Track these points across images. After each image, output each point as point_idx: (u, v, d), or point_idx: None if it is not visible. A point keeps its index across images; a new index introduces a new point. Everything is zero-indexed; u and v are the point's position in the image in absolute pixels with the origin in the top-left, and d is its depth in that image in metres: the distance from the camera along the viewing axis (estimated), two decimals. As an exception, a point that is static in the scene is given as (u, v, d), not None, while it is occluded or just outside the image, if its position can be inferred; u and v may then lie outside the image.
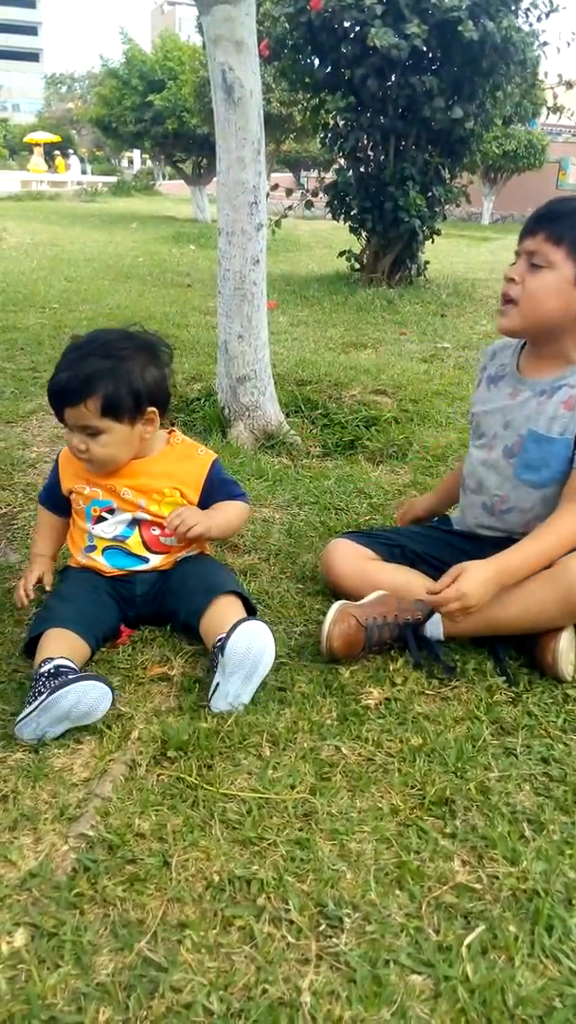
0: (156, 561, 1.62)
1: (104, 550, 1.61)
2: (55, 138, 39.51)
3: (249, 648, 1.38)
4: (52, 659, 1.36)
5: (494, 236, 14.26)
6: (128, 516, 1.60)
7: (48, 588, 1.66)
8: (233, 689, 1.39)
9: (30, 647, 1.46)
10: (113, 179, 28.39)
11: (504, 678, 1.50)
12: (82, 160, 40.05)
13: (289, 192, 7.00)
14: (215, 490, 1.66)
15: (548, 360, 1.61)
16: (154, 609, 1.63)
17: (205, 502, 1.66)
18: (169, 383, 1.60)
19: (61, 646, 1.40)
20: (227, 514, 1.65)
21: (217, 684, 1.39)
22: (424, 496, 2.07)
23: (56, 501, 1.69)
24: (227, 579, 1.62)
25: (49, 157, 37.08)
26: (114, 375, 1.48)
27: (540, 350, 1.62)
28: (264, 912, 1.01)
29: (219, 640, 1.40)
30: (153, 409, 1.55)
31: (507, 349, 1.72)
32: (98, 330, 1.60)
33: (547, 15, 6.09)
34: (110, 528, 1.60)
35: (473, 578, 1.42)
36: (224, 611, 1.50)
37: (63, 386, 1.48)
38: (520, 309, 1.53)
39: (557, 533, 1.50)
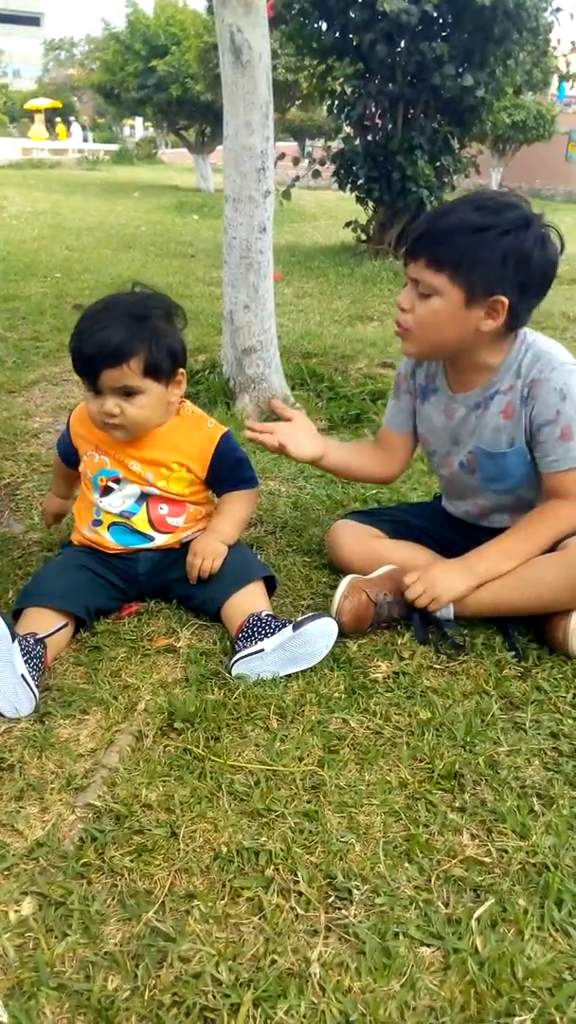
0: (161, 540, 1.60)
1: (110, 526, 1.58)
2: (56, 103, 38.89)
3: (316, 641, 1.40)
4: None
5: (501, 209, 14.07)
6: (136, 490, 1.57)
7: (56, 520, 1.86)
8: (272, 664, 1.39)
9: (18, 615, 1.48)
10: (115, 147, 28.00)
11: (513, 653, 1.49)
12: (83, 127, 39.48)
13: (296, 161, 6.90)
14: (223, 470, 1.63)
15: (469, 372, 1.53)
16: (157, 587, 1.62)
17: (212, 479, 1.64)
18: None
19: (37, 624, 1.42)
20: (236, 516, 1.65)
21: (260, 651, 1.39)
22: (333, 447, 1.78)
23: (67, 453, 1.69)
24: (248, 566, 1.60)
25: (50, 124, 36.53)
26: (154, 335, 1.46)
27: (458, 365, 1.54)
28: (272, 883, 1.01)
29: (297, 620, 1.41)
30: (183, 371, 1.55)
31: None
32: (121, 293, 1.57)
33: (561, -21, 5.95)
34: (117, 501, 1.57)
35: (435, 568, 1.48)
36: (253, 599, 1.52)
37: (104, 346, 1.43)
38: (415, 338, 1.47)
39: (548, 521, 1.50)
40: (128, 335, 1.43)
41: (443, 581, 1.49)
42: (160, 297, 1.57)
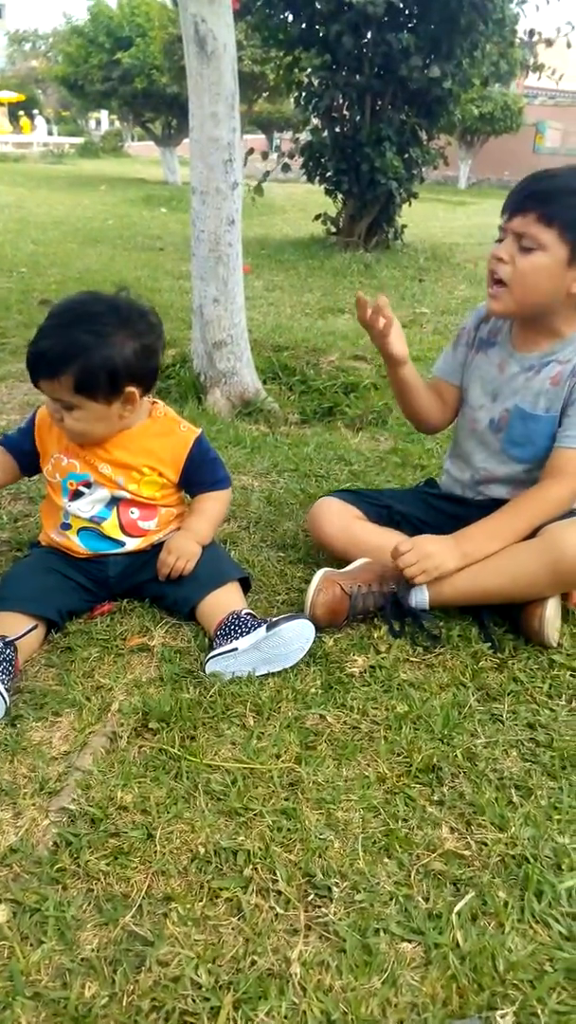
0: (132, 545, 1.57)
1: (79, 531, 1.55)
2: (19, 97, 38.30)
3: (290, 643, 1.39)
4: None
5: (471, 200, 14.13)
6: (107, 493, 1.54)
7: None
8: (245, 664, 1.37)
9: None
10: (80, 140, 27.64)
11: (489, 644, 1.49)
12: (48, 120, 38.94)
13: (265, 155, 6.86)
14: (196, 473, 1.61)
15: (538, 335, 1.57)
16: (128, 588, 1.59)
17: (186, 482, 1.62)
18: (157, 358, 1.51)
19: (5, 627, 1.39)
20: (211, 516, 1.63)
21: (234, 649, 1.37)
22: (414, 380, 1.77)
23: (18, 449, 1.60)
24: (222, 567, 1.58)
25: (13, 117, 36.00)
26: (92, 352, 1.39)
27: (530, 325, 1.58)
28: (251, 883, 1.00)
29: (272, 619, 1.40)
30: (132, 389, 1.46)
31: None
32: (85, 295, 1.50)
33: (525, -29, 5.97)
34: (87, 506, 1.54)
35: (429, 540, 1.49)
36: (228, 598, 1.50)
37: (39, 357, 1.41)
38: (512, 292, 1.48)
39: (534, 502, 1.50)
40: (63, 350, 1.39)
41: (437, 556, 1.48)
42: (129, 308, 1.47)
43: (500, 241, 1.50)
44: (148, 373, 1.48)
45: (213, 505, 1.64)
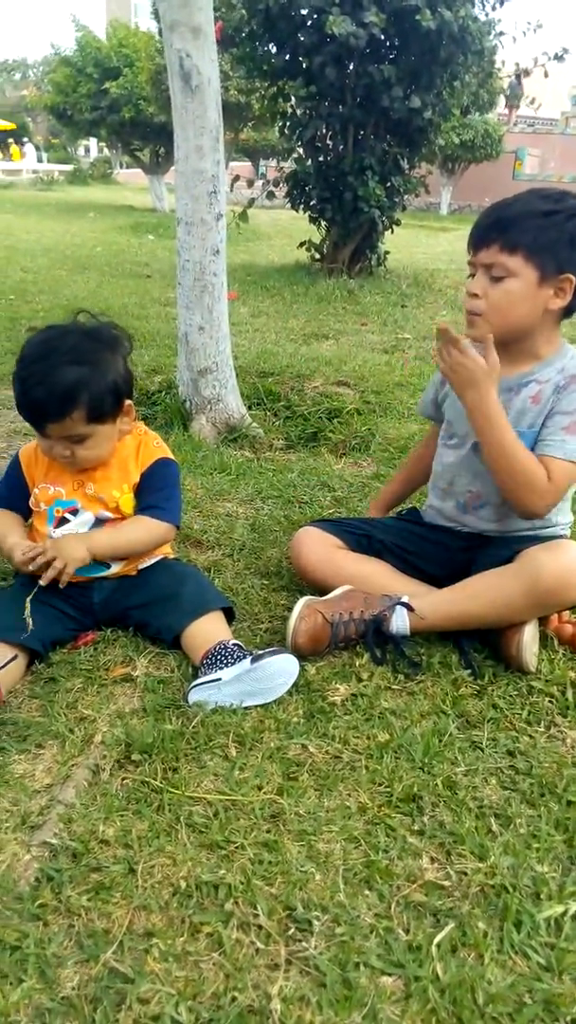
0: (117, 567, 1.58)
1: None
2: (10, 126, 38.66)
3: (274, 678, 1.39)
4: None
5: (453, 226, 14.30)
6: (90, 517, 1.56)
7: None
8: (228, 695, 1.37)
9: None
10: (69, 167, 27.89)
11: (469, 671, 1.51)
12: (37, 148, 39.28)
13: (251, 183, 6.94)
14: (147, 488, 1.59)
15: (516, 356, 1.60)
16: (113, 615, 1.60)
17: (136, 498, 1.61)
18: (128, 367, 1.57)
19: None
20: (124, 534, 1.54)
21: (218, 679, 1.38)
22: (385, 489, 2.06)
23: (18, 502, 1.62)
24: (206, 596, 1.57)
25: (3, 145, 36.30)
26: (93, 380, 1.43)
27: (509, 348, 1.60)
28: (232, 918, 1.00)
29: (257, 652, 1.41)
30: (129, 402, 1.54)
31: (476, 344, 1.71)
32: (49, 332, 1.51)
33: (501, 3, 6.10)
34: (72, 531, 1.55)
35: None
36: (212, 626, 1.50)
37: (43, 403, 1.43)
38: (488, 320, 1.52)
39: (534, 463, 1.52)
40: (66, 389, 1.41)
41: None
42: (101, 329, 1.54)
43: (472, 276, 1.53)
44: (132, 380, 1.55)
45: (135, 529, 1.55)
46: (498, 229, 1.48)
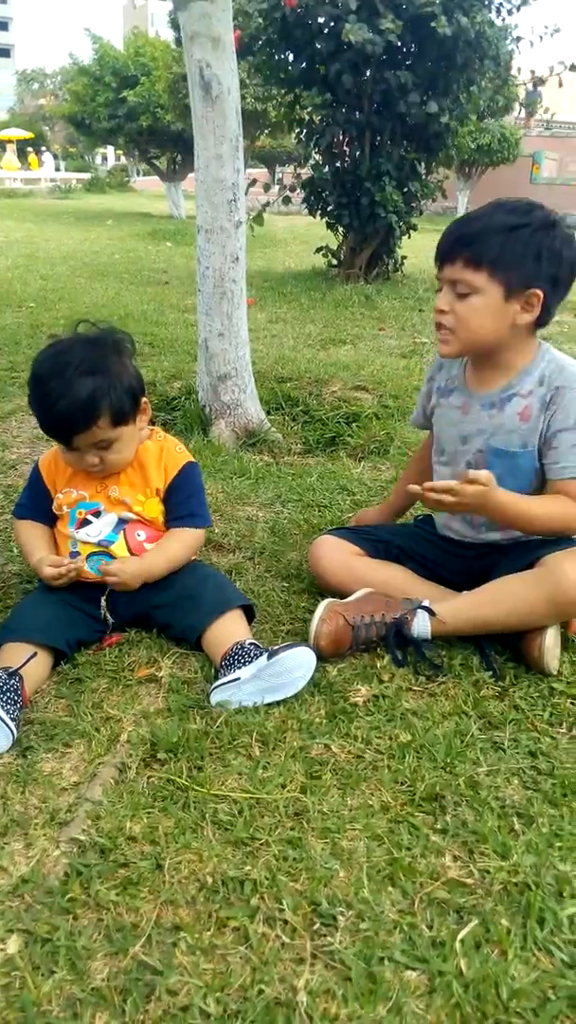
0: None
1: (88, 556, 1.58)
2: (28, 135, 39.07)
3: (292, 671, 1.41)
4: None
5: (470, 230, 14.31)
6: (114, 518, 1.59)
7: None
8: (249, 694, 1.39)
9: None
10: (87, 176, 28.16)
11: (490, 672, 1.52)
12: (55, 156, 39.65)
13: (267, 187, 6.98)
14: (175, 496, 1.64)
15: (492, 371, 1.60)
16: (136, 615, 1.62)
17: (165, 504, 1.65)
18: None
19: (13, 658, 1.41)
20: (170, 554, 1.60)
21: (237, 679, 1.40)
22: (374, 508, 2.06)
23: (40, 515, 1.66)
24: (226, 595, 1.59)
25: (22, 154, 36.68)
26: (111, 385, 1.48)
27: (483, 363, 1.61)
28: (258, 912, 1.02)
29: (273, 648, 1.43)
30: (145, 399, 1.59)
31: (454, 362, 1.70)
32: (58, 346, 1.55)
33: (517, 8, 6.12)
34: (95, 532, 1.58)
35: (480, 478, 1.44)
36: (233, 626, 1.52)
37: (69, 416, 1.47)
38: (457, 336, 1.52)
39: (561, 504, 1.52)
40: (87, 399, 1.46)
41: (478, 495, 1.45)
42: (103, 336, 1.58)
43: (440, 291, 1.53)
44: (142, 378, 1.60)
45: (177, 548, 1.62)
46: (462, 244, 1.47)
